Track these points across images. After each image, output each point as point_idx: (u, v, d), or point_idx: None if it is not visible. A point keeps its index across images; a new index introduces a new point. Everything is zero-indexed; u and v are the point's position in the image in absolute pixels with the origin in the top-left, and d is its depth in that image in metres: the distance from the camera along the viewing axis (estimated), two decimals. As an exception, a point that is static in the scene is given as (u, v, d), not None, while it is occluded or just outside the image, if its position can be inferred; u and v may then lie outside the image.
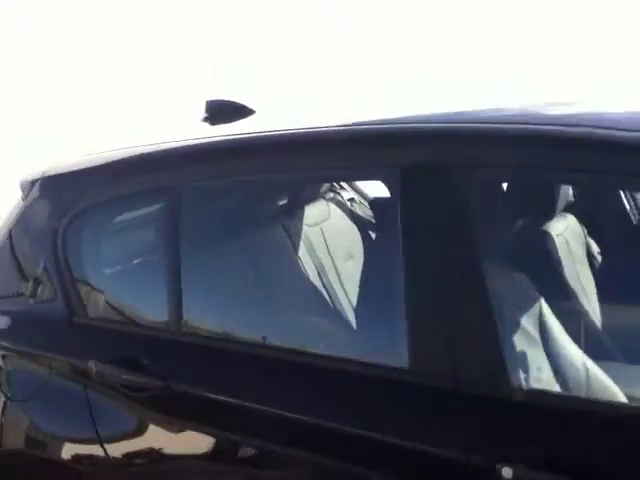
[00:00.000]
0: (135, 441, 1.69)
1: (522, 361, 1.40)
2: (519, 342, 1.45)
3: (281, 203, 2.09)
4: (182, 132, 1.92)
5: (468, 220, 1.42)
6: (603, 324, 1.95)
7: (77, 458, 1.76)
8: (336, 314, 1.78)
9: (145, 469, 1.71)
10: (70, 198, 1.84)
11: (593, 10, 6.00)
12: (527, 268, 1.75)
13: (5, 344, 1.89)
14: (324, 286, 1.84)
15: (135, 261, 1.87)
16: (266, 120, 1.99)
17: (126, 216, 1.90)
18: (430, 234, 1.43)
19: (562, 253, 2.00)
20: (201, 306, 1.71)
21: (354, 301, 1.83)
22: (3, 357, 1.89)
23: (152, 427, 1.68)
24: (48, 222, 1.86)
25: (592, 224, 2.27)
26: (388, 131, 1.56)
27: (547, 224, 2.03)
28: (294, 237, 1.89)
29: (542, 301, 1.61)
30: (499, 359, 1.35)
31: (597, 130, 1.38)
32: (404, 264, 1.43)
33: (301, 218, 1.96)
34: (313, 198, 2.13)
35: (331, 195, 2.29)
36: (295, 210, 1.99)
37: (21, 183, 2.00)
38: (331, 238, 2.00)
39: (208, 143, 1.76)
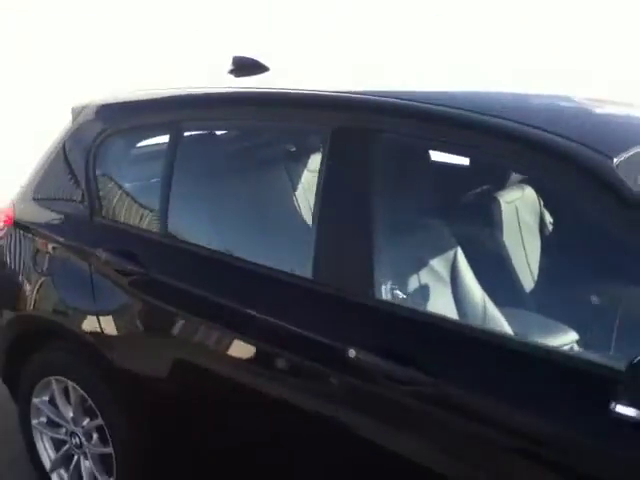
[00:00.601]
0: (123, 315, 2.21)
1: (392, 281, 1.78)
2: (395, 267, 1.82)
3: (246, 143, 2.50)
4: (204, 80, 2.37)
5: (373, 172, 1.79)
6: (526, 282, 2.26)
7: (80, 324, 2.30)
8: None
9: (127, 337, 2.22)
10: (102, 125, 2.35)
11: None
12: (455, 222, 2.11)
13: (54, 236, 2.43)
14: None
15: (142, 180, 2.37)
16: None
17: (141, 143, 2.38)
18: (346, 179, 1.83)
19: (505, 217, 2.31)
20: (182, 218, 2.19)
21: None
22: (53, 248, 2.44)
23: (135, 304, 2.18)
24: (85, 142, 2.38)
25: (548, 197, 2.52)
26: (326, 97, 1.97)
27: (492, 190, 2.35)
28: (253, 170, 2.32)
29: (459, 249, 1.97)
30: (372, 278, 1.74)
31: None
32: (322, 200, 1.84)
33: (262, 157, 2.39)
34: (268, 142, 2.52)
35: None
36: (256, 149, 2.43)
37: (72, 109, 2.53)
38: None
39: (203, 92, 2.22)
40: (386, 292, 1.77)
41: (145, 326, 2.18)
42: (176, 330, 2.10)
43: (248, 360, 1.98)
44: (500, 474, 1.58)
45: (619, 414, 1.26)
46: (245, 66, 2.46)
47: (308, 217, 2.11)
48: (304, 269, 1.86)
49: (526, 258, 2.32)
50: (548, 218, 2.48)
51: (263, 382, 1.95)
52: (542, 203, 2.46)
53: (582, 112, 2.01)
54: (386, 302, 1.76)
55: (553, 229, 2.47)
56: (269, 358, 1.92)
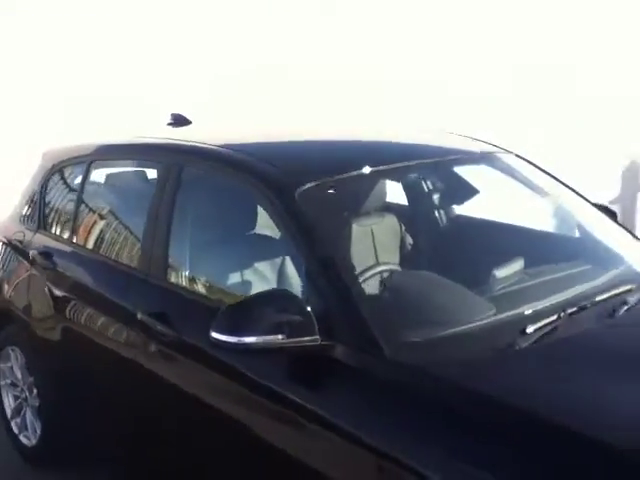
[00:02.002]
0: (42, 300, 3.08)
1: (177, 271, 2.52)
2: (180, 262, 2.56)
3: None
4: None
5: (177, 194, 2.56)
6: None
7: (21, 308, 3.21)
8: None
9: (43, 316, 3.09)
10: (50, 164, 3.31)
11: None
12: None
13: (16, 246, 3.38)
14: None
15: (63, 205, 3.25)
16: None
17: (68, 179, 3.30)
18: (158, 201, 2.60)
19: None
20: (82, 231, 3.05)
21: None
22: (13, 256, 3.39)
23: (49, 291, 3.04)
24: (40, 177, 3.36)
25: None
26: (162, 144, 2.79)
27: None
28: (123, 197, 3.12)
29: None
30: (166, 269, 2.49)
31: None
32: (148, 215, 2.62)
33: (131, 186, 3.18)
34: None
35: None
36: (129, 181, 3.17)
37: (43, 153, 3.49)
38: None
39: (105, 142, 3.11)
40: (173, 277, 2.52)
41: (53, 307, 3.04)
42: (69, 310, 2.94)
43: (103, 327, 2.77)
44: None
45: (214, 338, 1.93)
46: (177, 120, 3.33)
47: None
48: (133, 261, 2.66)
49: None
50: (409, 239, 3.05)
51: (107, 340, 2.72)
52: (403, 228, 3.02)
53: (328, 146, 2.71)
54: (170, 283, 2.50)
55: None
56: (110, 323, 2.70)
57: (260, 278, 2.37)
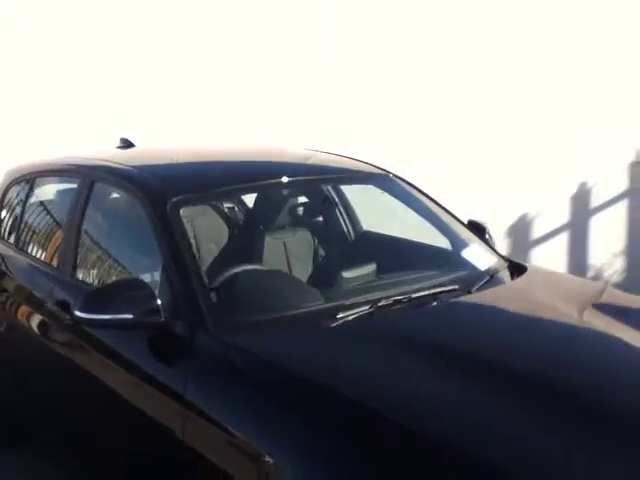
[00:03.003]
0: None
1: (79, 269, 2.98)
2: (81, 263, 3.02)
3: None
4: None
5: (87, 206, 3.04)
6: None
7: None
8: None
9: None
10: (7, 181, 3.83)
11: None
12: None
13: None
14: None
15: (13, 217, 3.76)
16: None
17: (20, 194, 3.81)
18: (74, 212, 3.09)
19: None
20: (26, 239, 3.55)
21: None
22: None
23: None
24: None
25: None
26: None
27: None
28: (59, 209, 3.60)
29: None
30: (74, 267, 2.96)
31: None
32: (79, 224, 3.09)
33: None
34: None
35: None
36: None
37: (6, 171, 4.03)
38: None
39: (45, 161, 3.62)
40: (77, 274, 2.99)
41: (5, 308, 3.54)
42: (8, 306, 3.42)
43: (34, 322, 3.23)
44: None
45: (77, 316, 2.38)
46: (125, 143, 3.83)
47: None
48: (54, 263, 3.15)
49: None
50: (321, 252, 3.45)
51: (35, 333, 3.17)
52: (316, 241, 3.44)
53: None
54: (76, 279, 2.97)
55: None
56: (37, 317, 3.16)
57: (135, 272, 2.82)
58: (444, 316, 2.52)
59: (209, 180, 2.94)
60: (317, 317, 2.47)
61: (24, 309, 3.29)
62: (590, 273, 6.17)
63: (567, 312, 2.54)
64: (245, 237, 3.42)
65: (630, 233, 6.23)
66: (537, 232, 6.06)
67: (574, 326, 2.48)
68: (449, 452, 1.78)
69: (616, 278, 6.19)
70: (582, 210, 6.06)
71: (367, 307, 2.48)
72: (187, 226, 3.16)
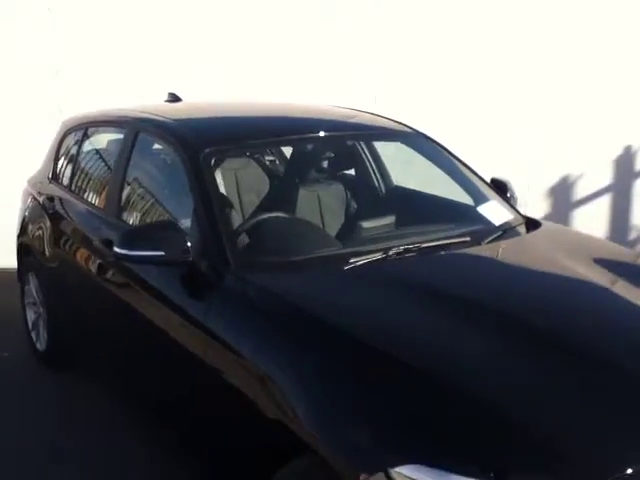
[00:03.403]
0: (46, 234, 3.91)
1: (123, 210, 3.26)
2: (125, 205, 3.30)
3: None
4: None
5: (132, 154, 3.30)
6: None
7: (34, 242, 4.07)
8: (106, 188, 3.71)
9: (46, 247, 3.92)
10: (63, 129, 4.14)
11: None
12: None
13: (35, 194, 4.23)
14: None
15: (69, 161, 4.07)
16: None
17: (76, 141, 4.10)
18: (122, 158, 3.36)
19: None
20: (77, 181, 3.86)
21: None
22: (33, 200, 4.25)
23: (50, 227, 3.87)
24: (55, 139, 4.20)
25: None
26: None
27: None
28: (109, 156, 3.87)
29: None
30: (118, 209, 3.25)
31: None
32: (124, 170, 3.37)
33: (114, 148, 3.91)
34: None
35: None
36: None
37: (62, 122, 4.34)
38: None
39: (99, 112, 3.90)
40: (124, 217, 3.27)
41: (51, 240, 3.86)
42: (62, 243, 3.74)
43: (83, 257, 3.55)
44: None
45: (114, 252, 2.66)
46: (173, 98, 4.08)
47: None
48: (102, 204, 3.44)
49: None
50: (352, 204, 3.60)
51: (85, 266, 3.49)
52: (348, 194, 3.61)
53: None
54: (120, 220, 3.26)
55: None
56: (87, 252, 3.47)
57: (170, 216, 3.08)
58: (449, 264, 2.70)
59: (241, 133, 3.16)
60: (331, 261, 2.69)
61: (75, 247, 3.61)
62: (632, 235, 6.18)
63: (565, 264, 2.69)
64: (281, 189, 3.63)
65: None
66: (579, 194, 6.09)
67: (568, 277, 2.63)
68: (434, 380, 1.98)
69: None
70: (626, 173, 6.04)
71: (379, 254, 2.68)
72: (230, 177, 3.43)
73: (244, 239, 2.79)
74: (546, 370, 2.02)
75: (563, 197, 6.08)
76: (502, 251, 2.85)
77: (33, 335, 4.31)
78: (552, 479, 1.75)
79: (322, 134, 3.27)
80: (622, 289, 2.53)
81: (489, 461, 1.76)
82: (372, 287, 2.48)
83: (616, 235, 6.07)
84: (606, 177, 6.05)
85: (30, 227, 4.24)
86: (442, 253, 2.75)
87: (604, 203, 6.11)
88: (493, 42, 5.77)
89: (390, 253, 2.68)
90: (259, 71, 5.56)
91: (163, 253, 2.59)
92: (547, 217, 5.96)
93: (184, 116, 3.40)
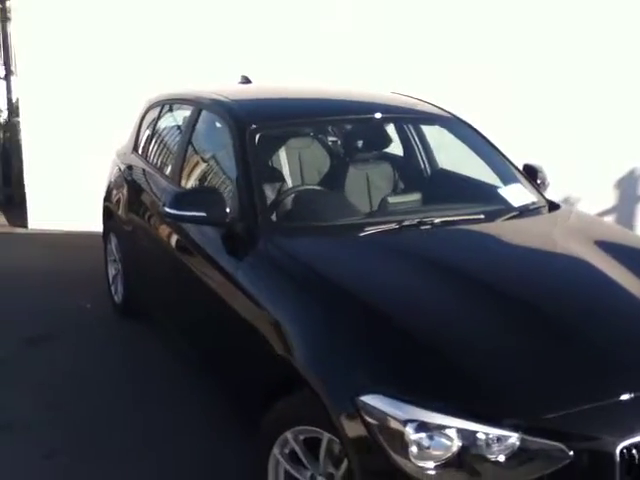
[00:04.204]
0: (123, 197, 4.44)
1: (183, 178, 3.71)
2: (185, 174, 3.74)
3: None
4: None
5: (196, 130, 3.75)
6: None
7: (116, 206, 4.63)
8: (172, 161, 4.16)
9: (122, 208, 4.44)
10: (146, 106, 4.66)
11: None
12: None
13: (120, 163, 4.80)
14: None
15: (150, 135, 4.56)
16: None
17: (155, 117, 4.59)
18: (186, 134, 3.81)
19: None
20: (152, 153, 4.35)
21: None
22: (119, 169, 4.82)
23: (127, 191, 4.39)
24: (140, 114, 4.72)
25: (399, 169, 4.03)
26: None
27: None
28: (178, 134, 4.31)
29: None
30: (180, 176, 3.71)
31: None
32: (187, 143, 3.82)
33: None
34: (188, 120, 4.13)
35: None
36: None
37: (147, 100, 4.86)
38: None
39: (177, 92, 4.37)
40: (183, 183, 3.72)
41: (127, 205, 4.39)
42: (135, 207, 4.24)
43: (151, 220, 4.04)
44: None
45: (164, 211, 3.09)
46: (245, 80, 4.52)
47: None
48: (168, 172, 3.91)
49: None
50: (400, 184, 3.93)
51: (152, 229, 3.98)
52: (397, 177, 3.92)
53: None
54: (180, 186, 3.71)
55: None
56: (153, 216, 3.96)
57: (219, 183, 3.49)
58: (454, 237, 2.98)
59: (285, 113, 3.56)
60: (349, 229, 3.03)
61: (144, 209, 4.10)
62: None
63: (568, 245, 2.91)
64: (336, 167, 3.97)
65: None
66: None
67: (561, 253, 2.86)
68: (406, 330, 2.29)
69: None
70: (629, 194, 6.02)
71: (393, 224, 2.99)
72: (294, 155, 3.79)
73: (276, 207, 3.17)
74: (510, 328, 2.29)
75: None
76: (510, 228, 3.10)
77: (112, 289, 4.88)
78: (492, 408, 2.04)
79: (357, 116, 3.62)
80: (613, 269, 2.72)
81: (435, 393, 2.07)
82: (379, 253, 2.81)
83: None
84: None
85: (113, 193, 4.79)
86: (452, 228, 3.03)
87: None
88: (501, 59, 5.91)
89: (403, 224, 2.99)
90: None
91: (205, 214, 3.00)
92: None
93: (241, 97, 3.81)
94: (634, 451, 1.98)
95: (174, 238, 3.58)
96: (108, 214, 4.86)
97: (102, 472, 3.10)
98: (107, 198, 4.87)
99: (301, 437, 2.41)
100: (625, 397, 2.08)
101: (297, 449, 2.42)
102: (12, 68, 7.26)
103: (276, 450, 2.48)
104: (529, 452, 1.98)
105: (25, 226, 6.81)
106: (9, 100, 7.63)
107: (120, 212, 4.52)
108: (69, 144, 6.49)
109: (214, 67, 5.83)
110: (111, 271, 4.92)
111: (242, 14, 6.08)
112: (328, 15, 5.98)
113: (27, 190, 6.77)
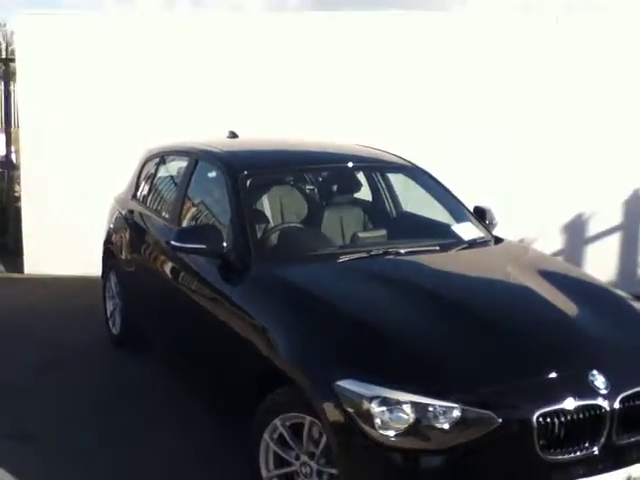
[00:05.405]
0: (124, 239, 5.00)
1: (182, 219, 4.29)
2: (183, 215, 4.32)
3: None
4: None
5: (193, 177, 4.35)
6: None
7: (115, 245, 5.18)
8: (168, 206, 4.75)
9: (122, 249, 4.99)
10: (144, 157, 5.27)
11: None
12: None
13: (120, 209, 5.38)
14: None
15: (147, 185, 5.15)
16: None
17: (153, 167, 5.19)
18: (184, 181, 4.41)
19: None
20: (148, 200, 4.94)
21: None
22: (119, 214, 5.40)
23: (127, 232, 4.96)
24: (139, 164, 5.33)
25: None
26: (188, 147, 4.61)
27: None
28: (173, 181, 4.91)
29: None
30: (179, 218, 4.28)
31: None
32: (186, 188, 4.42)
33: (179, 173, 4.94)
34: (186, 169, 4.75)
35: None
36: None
37: (146, 150, 5.46)
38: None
39: (168, 145, 4.98)
40: (183, 223, 4.29)
41: (129, 245, 4.94)
42: (136, 247, 4.80)
43: (153, 258, 4.58)
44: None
45: (171, 244, 3.65)
46: (232, 134, 5.15)
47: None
48: (169, 216, 4.48)
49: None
50: (369, 225, 4.55)
51: (154, 265, 4.52)
52: (366, 217, 4.56)
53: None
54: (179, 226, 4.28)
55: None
56: (156, 255, 4.51)
57: (216, 221, 4.07)
58: (415, 263, 3.59)
59: (271, 162, 4.20)
60: (325, 257, 3.65)
61: (146, 248, 4.66)
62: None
63: (504, 267, 3.57)
64: (313, 211, 4.58)
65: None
66: (591, 231, 6.80)
67: (502, 274, 3.52)
68: (372, 328, 2.86)
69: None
70: (634, 213, 6.72)
71: (363, 254, 3.60)
72: (276, 201, 4.39)
73: (264, 240, 3.77)
74: (453, 326, 2.89)
75: (577, 233, 6.81)
76: (458, 257, 3.74)
77: (110, 322, 5.38)
78: (440, 386, 2.60)
79: (333, 165, 4.26)
80: (538, 285, 3.33)
81: (394, 376, 2.63)
82: (350, 274, 3.41)
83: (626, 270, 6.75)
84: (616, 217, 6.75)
85: (113, 235, 5.34)
86: (412, 256, 3.63)
87: (614, 240, 6.79)
88: (499, 83, 6.66)
89: (371, 254, 3.60)
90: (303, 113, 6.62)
91: (205, 246, 3.58)
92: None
93: (232, 149, 4.43)
94: (549, 419, 2.55)
95: (174, 270, 4.13)
96: (108, 255, 5.40)
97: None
98: (108, 240, 5.42)
99: (287, 423, 2.94)
100: (542, 375, 2.68)
101: (284, 433, 2.95)
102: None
103: (266, 435, 3.00)
104: (467, 420, 2.53)
105: (21, 272, 7.30)
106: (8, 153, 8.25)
107: (121, 251, 5.07)
108: (64, 196, 7.06)
109: (197, 121, 6.50)
110: (109, 306, 5.43)
111: (228, 74, 6.78)
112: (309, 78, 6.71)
113: (24, 239, 7.27)
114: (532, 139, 6.67)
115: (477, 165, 6.56)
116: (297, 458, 2.93)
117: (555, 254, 6.65)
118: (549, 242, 6.68)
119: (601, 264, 6.68)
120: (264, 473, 3.04)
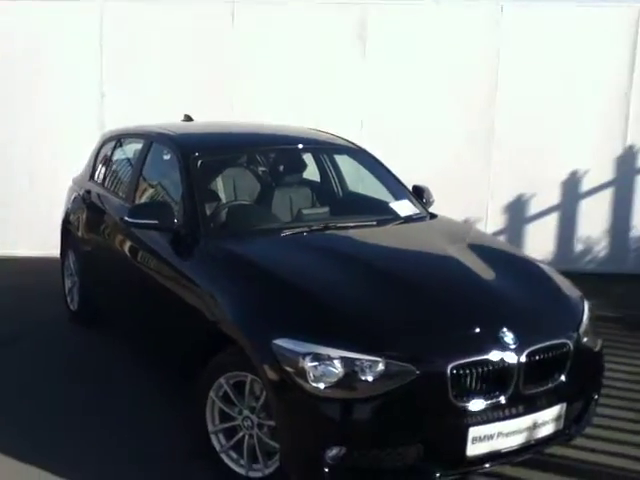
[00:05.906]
0: (81, 217, 5.20)
1: (136, 196, 4.52)
2: (137, 193, 4.54)
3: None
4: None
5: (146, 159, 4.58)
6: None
7: (74, 224, 5.38)
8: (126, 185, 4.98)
9: (79, 227, 5.20)
10: (102, 140, 5.46)
11: None
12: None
13: (78, 189, 5.57)
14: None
15: (104, 164, 5.36)
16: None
17: (110, 148, 5.39)
18: (139, 163, 4.63)
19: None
20: (105, 177, 5.15)
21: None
22: (76, 195, 5.59)
23: (85, 211, 5.16)
24: (95, 147, 5.52)
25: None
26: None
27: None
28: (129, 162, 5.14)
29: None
30: (134, 196, 4.50)
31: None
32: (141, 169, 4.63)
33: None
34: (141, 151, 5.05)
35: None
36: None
37: (102, 134, 5.65)
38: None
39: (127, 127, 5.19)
40: (137, 201, 4.52)
41: (85, 223, 5.15)
42: (92, 225, 5.01)
43: (107, 234, 4.80)
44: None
45: (124, 220, 3.89)
46: (187, 118, 5.37)
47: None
48: (124, 195, 4.70)
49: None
50: (317, 204, 4.81)
51: (110, 241, 4.74)
52: (314, 196, 4.83)
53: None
54: (131, 202, 4.50)
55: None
56: (110, 230, 4.73)
57: (168, 199, 4.31)
58: (351, 236, 3.89)
59: (221, 144, 4.45)
60: (269, 232, 3.93)
61: (103, 226, 4.87)
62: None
63: (432, 242, 3.91)
64: (265, 191, 4.84)
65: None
66: (531, 211, 7.19)
67: (432, 246, 3.85)
68: (308, 293, 3.14)
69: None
70: (571, 194, 7.12)
71: (305, 229, 3.88)
72: (229, 182, 4.63)
73: (213, 217, 4.03)
74: (380, 289, 3.20)
75: (518, 212, 7.20)
76: (393, 230, 4.06)
77: (68, 299, 5.59)
78: (366, 342, 2.90)
79: (282, 147, 4.54)
80: (466, 258, 3.64)
81: (325, 334, 2.92)
82: (292, 246, 3.72)
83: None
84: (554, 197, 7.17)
85: (71, 215, 5.53)
86: (350, 231, 3.93)
87: (553, 218, 7.20)
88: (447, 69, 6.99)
89: (312, 228, 3.89)
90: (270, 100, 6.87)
91: (157, 222, 3.82)
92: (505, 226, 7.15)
93: (185, 131, 4.67)
94: (462, 370, 2.87)
95: (129, 247, 4.36)
96: (66, 234, 5.59)
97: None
98: (66, 219, 5.60)
99: (231, 381, 3.22)
100: (457, 331, 3.01)
101: (228, 391, 3.23)
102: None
103: (212, 394, 3.28)
104: (390, 372, 2.84)
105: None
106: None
107: (79, 230, 5.27)
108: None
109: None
110: (67, 284, 5.63)
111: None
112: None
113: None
114: (474, 122, 7.00)
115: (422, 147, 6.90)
116: (240, 413, 3.21)
117: (496, 233, 7.02)
118: (491, 222, 7.07)
119: (540, 242, 7.09)
120: (210, 427, 3.31)
